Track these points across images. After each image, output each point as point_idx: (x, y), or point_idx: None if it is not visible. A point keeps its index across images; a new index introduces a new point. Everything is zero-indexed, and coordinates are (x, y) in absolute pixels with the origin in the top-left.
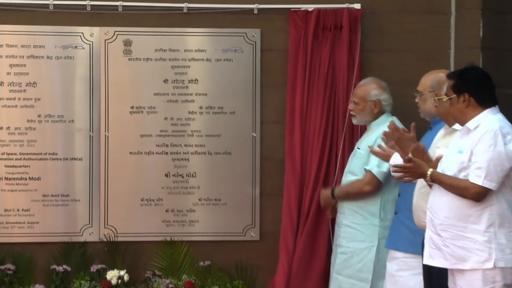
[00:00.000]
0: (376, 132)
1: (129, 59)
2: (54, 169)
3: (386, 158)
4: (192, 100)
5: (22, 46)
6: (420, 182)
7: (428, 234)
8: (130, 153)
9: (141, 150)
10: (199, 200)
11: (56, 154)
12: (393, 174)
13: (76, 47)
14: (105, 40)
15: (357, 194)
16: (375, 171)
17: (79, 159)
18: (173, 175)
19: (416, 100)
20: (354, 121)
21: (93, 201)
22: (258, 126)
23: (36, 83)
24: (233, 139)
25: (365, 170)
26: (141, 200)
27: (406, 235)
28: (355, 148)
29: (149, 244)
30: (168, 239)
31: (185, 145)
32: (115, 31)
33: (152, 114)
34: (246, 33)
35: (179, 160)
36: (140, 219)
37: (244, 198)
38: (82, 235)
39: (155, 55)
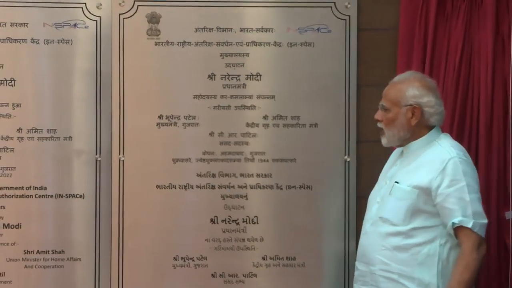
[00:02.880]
0: (424, 157)
1: (156, 44)
2: (42, 212)
3: None
4: (252, 106)
5: None
6: None
7: None
8: (158, 187)
9: (174, 183)
10: (263, 259)
11: (45, 188)
12: None
13: (75, 25)
14: (119, 14)
15: (476, 270)
16: (477, 228)
17: (80, 197)
18: (222, 221)
19: None
20: (383, 141)
21: (100, 261)
22: (354, 146)
23: (14, 81)
24: (316, 165)
25: (455, 225)
26: (174, 258)
27: None
28: (386, 180)
29: None
30: None
31: (241, 175)
32: (134, 1)
33: (191, 128)
34: (335, 2)
35: (233, 198)
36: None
37: (332, 257)
38: None
39: (195, 38)
